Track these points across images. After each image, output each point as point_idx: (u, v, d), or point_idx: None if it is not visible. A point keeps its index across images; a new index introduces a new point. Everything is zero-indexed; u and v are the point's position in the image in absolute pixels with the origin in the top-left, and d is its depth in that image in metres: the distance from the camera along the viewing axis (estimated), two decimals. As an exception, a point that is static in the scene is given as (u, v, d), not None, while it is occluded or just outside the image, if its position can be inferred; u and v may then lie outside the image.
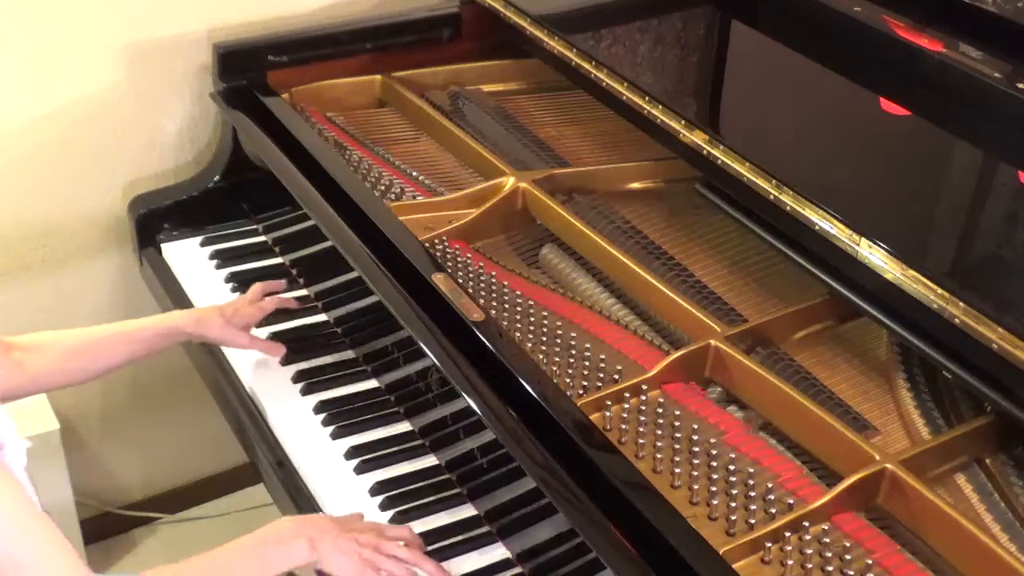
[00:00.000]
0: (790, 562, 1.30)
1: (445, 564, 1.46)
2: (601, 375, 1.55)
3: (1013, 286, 1.45)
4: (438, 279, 1.59)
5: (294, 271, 2.00)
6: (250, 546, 1.36)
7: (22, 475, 1.30)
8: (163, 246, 2.09)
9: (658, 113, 1.72)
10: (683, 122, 1.68)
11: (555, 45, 1.94)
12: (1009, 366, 1.27)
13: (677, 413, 1.48)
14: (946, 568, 1.31)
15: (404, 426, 1.68)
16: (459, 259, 1.75)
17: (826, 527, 1.35)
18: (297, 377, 1.77)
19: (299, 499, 1.62)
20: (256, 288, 1.81)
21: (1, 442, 1.26)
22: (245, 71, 2.06)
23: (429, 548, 1.48)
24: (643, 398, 1.50)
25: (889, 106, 1.74)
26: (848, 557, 1.30)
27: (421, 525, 1.52)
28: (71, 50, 2.05)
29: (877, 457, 1.37)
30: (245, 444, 1.77)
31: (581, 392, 1.51)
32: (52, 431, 2.15)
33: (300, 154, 1.87)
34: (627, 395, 1.49)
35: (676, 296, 1.62)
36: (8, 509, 1.18)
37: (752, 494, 1.38)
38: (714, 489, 1.39)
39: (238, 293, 1.94)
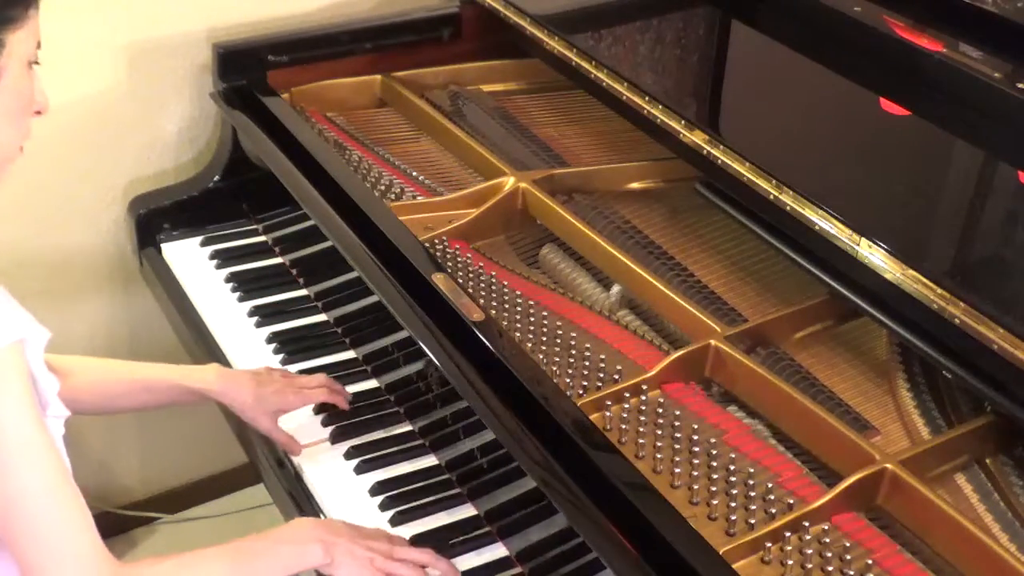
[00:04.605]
0: (790, 562, 1.30)
1: (445, 564, 1.47)
2: (601, 375, 1.55)
3: (1013, 286, 1.45)
4: (438, 279, 1.59)
5: (294, 271, 2.00)
6: (266, 544, 1.36)
7: (60, 444, 1.29)
8: (163, 246, 2.09)
9: (658, 113, 1.72)
10: (683, 122, 1.68)
11: (555, 45, 1.94)
12: (1009, 366, 1.27)
13: (677, 413, 1.48)
14: (946, 568, 1.31)
15: (404, 426, 1.68)
16: (459, 259, 1.75)
17: (826, 527, 1.35)
18: (297, 377, 1.77)
19: (299, 499, 1.62)
20: (320, 378, 1.69)
21: (46, 401, 1.25)
22: (245, 71, 2.06)
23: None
24: (643, 398, 1.50)
25: (889, 106, 1.74)
26: (848, 557, 1.30)
27: (421, 525, 1.52)
28: (71, 50, 2.05)
29: (877, 457, 1.37)
30: (245, 444, 1.77)
31: (581, 392, 1.51)
32: (52, 431, 2.14)
33: (300, 154, 1.87)
34: (627, 395, 1.49)
35: (676, 296, 1.62)
36: (42, 469, 1.17)
37: (752, 494, 1.38)
38: (714, 489, 1.39)
39: (238, 293, 1.94)
